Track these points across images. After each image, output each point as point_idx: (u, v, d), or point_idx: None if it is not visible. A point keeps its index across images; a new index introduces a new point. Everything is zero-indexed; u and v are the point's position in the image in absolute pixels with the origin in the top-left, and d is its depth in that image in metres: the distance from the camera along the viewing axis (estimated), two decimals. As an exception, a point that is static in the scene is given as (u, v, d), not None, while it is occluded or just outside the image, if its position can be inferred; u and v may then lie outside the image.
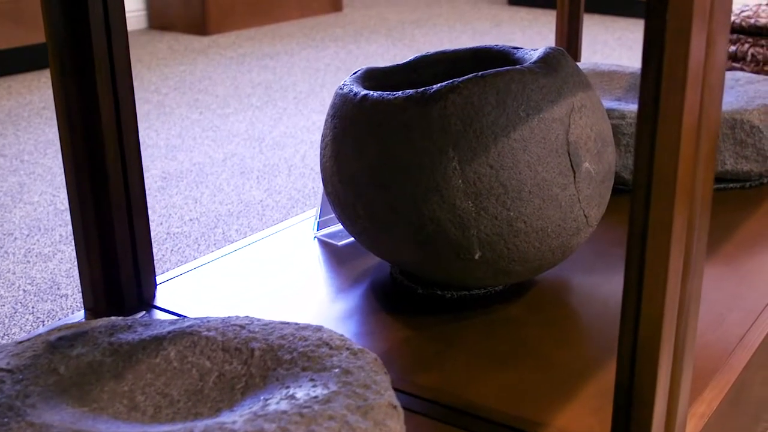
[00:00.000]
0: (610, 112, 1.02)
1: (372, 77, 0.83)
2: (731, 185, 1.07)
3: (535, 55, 0.77)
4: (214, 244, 1.28)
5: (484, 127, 0.69)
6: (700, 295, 0.54)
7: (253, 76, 2.38)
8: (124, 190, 0.77)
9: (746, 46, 1.40)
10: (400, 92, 0.72)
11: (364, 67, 0.84)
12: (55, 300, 1.13)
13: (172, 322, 0.58)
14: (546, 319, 0.77)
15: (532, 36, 2.97)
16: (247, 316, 0.59)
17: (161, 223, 1.36)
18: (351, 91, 0.76)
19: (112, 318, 0.59)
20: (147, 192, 1.50)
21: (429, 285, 0.81)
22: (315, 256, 0.91)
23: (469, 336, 0.75)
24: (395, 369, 0.70)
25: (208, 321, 0.58)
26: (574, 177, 0.73)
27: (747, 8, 1.48)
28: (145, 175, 1.58)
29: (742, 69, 1.39)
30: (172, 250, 1.26)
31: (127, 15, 3.05)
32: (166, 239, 1.30)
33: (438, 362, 0.71)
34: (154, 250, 1.26)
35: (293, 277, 0.86)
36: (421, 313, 0.78)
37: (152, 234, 1.32)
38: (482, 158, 0.69)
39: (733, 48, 1.41)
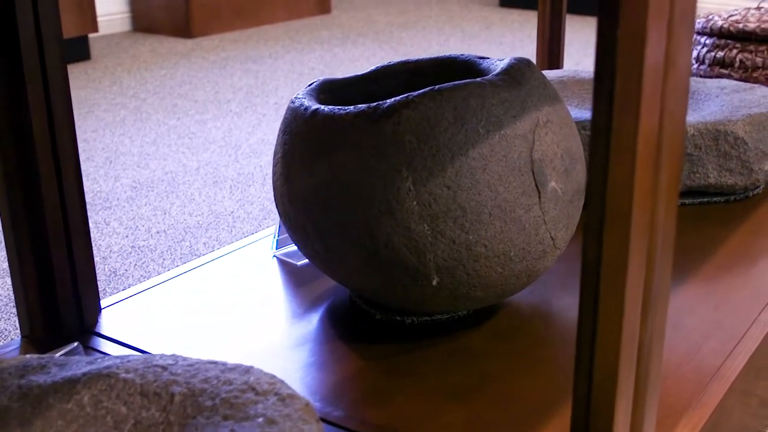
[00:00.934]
0: (587, 124, 0.98)
1: (328, 89, 0.78)
2: (715, 199, 1.02)
3: (498, 67, 0.72)
4: (180, 258, 1.23)
5: (440, 144, 0.65)
6: (663, 334, 0.50)
7: (235, 80, 2.33)
8: (60, 209, 0.73)
9: (734, 51, 1.35)
10: (351, 107, 0.67)
11: (321, 78, 0.79)
12: (9, 318, 1.08)
13: (90, 362, 0.54)
14: (510, 349, 0.72)
15: (523, 38, 2.92)
16: (172, 355, 0.54)
17: (127, 236, 1.31)
18: (302, 105, 0.71)
19: (26, 356, 0.54)
20: (115, 203, 1.45)
21: (388, 310, 0.76)
22: (273, 276, 0.86)
23: (426, 367, 0.70)
24: (344, 404, 0.65)
25: (129, 361, 0.53)
26: (539, 197, 0.68)
27: (735, 12, 1.43)
28: (115, 184, 1.54)
29: (729, 75, 1.34)
30: (135, 264, 1.21)
31: (110, 17, 3.00)
32: (130, 253, 1.25)
33: (391, 396, 0.66)
34: (117, 265, 1.21)
35: (248, 300, 0.81)
36: (378, 341, 0.74)
37: (116, 247, 1.27)
38: (438, 178, 0.64)
39: (720, 54, 1.36)
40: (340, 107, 0.68)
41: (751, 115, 1.01)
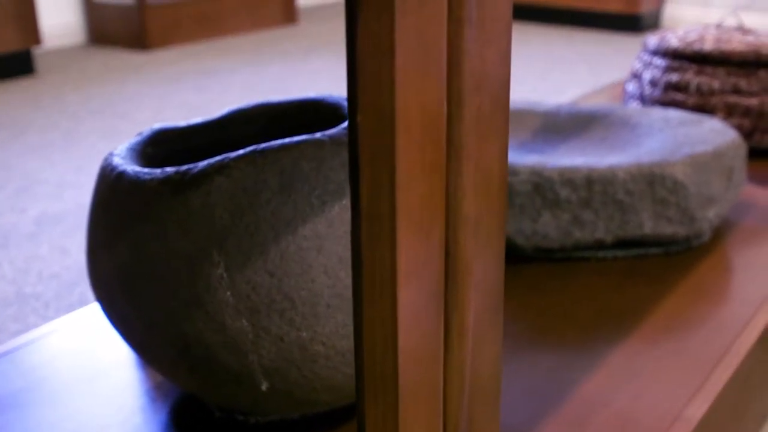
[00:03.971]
0: (498, 168, 0.85)
1: (162, 140, 0.65)
2: (652, 250, 0.89)
3: (354, 116, 0.59)
4: (67, 307, 1.10)
5: (260, 220, 0.52)
6: None
7: (183, 97, 2.20)
8: None
9: (690, 74, 1.22)
10: (159, 171, 0.54)
11: (157, 126, 0.66)
12: None
13: None
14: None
15: (494, 50, 2.79)
16: None
17: (14, 281, 1.18)
18: (109, 164, 0.58)
19: None
20: (13, 241, 1.32)
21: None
22: (118, 353, 0.73)
23: (261, 487, 0.57)
24: None
25: None
26: (396, 279, 0.55)
27: (693, 31, 1.30)
28: (20, 218, 1.40)
29: (684, 101, 1.21)
30: (15, 317, 1.08)
31: (63, 29, 2.87)
32: (13, 302, 1.12)
33: None
34: (-6, 318, 1.08)
35: (77, 387, 0.68)
36: (213, 449, 0.61)
37: (-1, 296, 1.14)
38: (258, 263, 0.52)
39: (675, 77, 1.23)
40: (148, 171, 0.55)
41: (693, 154, 0.88)
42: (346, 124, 0.57)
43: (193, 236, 0.52)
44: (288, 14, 3.20)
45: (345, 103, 0.66)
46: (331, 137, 0.54)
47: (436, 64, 0.27)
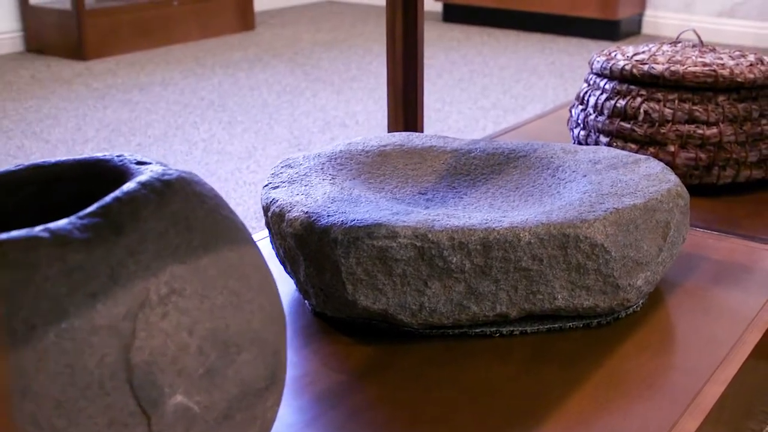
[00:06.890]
0: (373, 229, 0.69)
1: None
2: (570, 324, 0.74)
3: (110, 196, 0.44)
4: None
5: (-73, 359, 0.36)
6: None
7: (107, 113, 2.04)
8: None
9: (638, 100, 1.07)
10: None
11: None
12: None
13: None
14: None
15: (455, 60, 2.64)
16: None
17: None
18: None
19: None
20: None
21: None
22: None
23: None
24: None
25: None
26: (149, 424, 0.39)
27: (643, 50, 1.15)
28: None
29: (632, 131, 1.06)
30: None
31: (0, 36, 2.71)
32: None
33: None
34: None
35: None
36: None
37: None
38: (-76, 420, 0.36)
39: (622, 102, 1.08)
40: None
41: (618, 209, 0.72)
42: (83, 212, 0.41)
43: None
44: (244, 20, 3.04)
45: (130, 167, 0.50)
46: (52, 232, 0.39)
47: None
